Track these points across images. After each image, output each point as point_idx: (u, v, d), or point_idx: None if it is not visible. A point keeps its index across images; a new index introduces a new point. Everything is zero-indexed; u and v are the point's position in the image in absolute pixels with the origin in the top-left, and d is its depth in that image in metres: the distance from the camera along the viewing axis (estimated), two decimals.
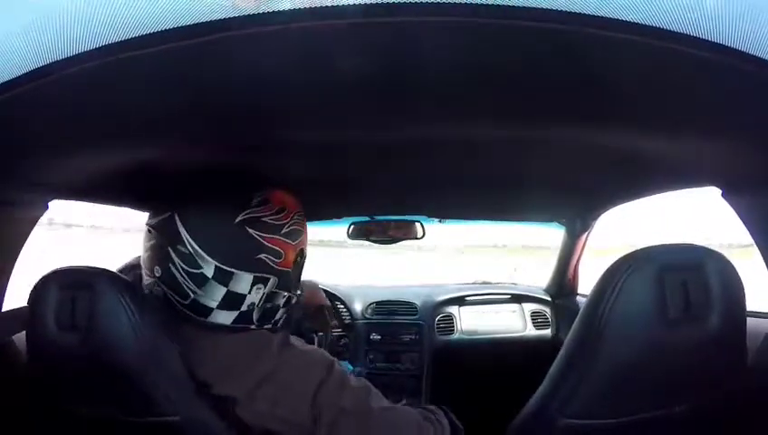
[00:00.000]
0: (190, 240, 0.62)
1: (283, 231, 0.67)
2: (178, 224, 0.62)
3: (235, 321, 0.65)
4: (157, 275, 0.64)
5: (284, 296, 0.70)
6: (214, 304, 0.63)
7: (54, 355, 0.61)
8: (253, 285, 0.65)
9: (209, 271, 0.62)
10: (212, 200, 0.65)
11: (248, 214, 0.65)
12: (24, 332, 0.76)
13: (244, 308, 0.65)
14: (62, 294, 0.60)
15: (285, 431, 0.62)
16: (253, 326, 0.67)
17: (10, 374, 0.73)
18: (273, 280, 0.67)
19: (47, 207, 0.82)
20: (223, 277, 0.63)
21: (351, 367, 1.02)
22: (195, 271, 0.62)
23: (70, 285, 0.60)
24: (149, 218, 0.66)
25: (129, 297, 0.59)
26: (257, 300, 0.66)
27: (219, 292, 0.63)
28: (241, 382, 0.62)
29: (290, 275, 0.70)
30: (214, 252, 0.62)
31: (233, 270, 0.63)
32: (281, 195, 0.71)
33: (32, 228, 0.81)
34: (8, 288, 0.78)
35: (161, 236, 0.64)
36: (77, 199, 0.90)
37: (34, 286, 0.62)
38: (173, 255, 0.62)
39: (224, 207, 0.64)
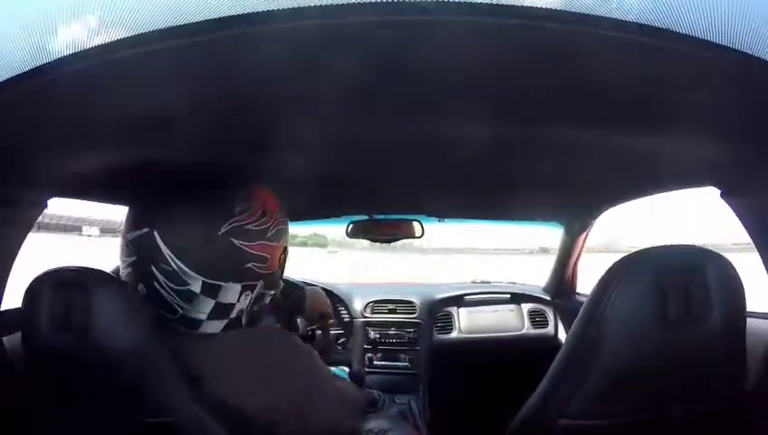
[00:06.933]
0: (174, 258, 0.59)
1: (267, 235, 0.65)
2: (158, 240, 0.59)
3: (224, 329, 0.64)
4: (142, 293, 0.61)
5: (270, 295, 0.70)
6: (203, 317, 0.62)
7: (48, 356, 0.61)
8: (241, 293, 0.63)
9: (197, 287, 0.60)
10: (192, 213, 0.62)
11: (231, 224, 0.61)
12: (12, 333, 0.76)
13: (233, 315, 0.64)
14: (56, 295, 0.59)
15: (287, 423, 0.62)
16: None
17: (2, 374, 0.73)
18: (260, 284, 0.66)
19: (45, 206, 0.82)
20: (211, 291, 0.61)
21: (344, 374, 1.01)
22: (181, 288, 0.60)
23: (63, 285, 0.59)
24: (127, 232, 0.62)
25: (121, 298, 0.58)
26: (246, 306, 0.65)
27: (208, 305, 0.62)
28: (237, 379, 0.62)
29: (276, 275, 0.69)
30: (200, 268, 0.60)
31: (220, 283, 0.61)
32: (261, 196, 0.67)
33: (30, 226, 0.80)
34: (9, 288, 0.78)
35: (141, 253, 0.60)
36: (75, 198, 0.90)
37: (28, 287, 0.61)
38: (156, 272, 0.59)
39: (206, 219, 0.61)
